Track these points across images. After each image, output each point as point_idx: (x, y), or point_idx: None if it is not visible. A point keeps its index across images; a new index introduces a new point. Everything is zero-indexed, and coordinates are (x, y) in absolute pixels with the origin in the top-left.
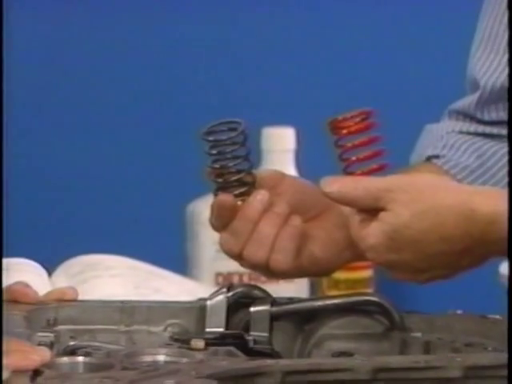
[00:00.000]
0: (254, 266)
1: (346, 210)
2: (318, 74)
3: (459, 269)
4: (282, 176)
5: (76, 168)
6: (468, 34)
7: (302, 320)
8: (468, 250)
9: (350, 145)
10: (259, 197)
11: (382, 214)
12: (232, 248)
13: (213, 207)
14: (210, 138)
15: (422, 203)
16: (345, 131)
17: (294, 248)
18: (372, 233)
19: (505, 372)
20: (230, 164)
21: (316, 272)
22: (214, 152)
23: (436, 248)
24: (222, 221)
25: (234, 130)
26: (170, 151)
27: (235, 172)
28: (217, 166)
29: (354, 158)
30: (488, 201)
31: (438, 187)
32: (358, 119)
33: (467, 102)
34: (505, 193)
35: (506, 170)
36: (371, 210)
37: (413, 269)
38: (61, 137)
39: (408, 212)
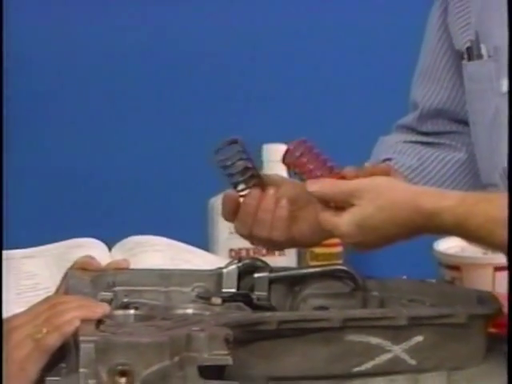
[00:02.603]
0: (261, 242)
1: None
2: (306, 105)
3: (398, 241)
4: (282, 178)
5: (128, 172)
6: (411, 66)
7: (292, 283)
8: (411, 234)
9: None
10: (252, 196)
11: (352, 208)
12: (243, 233)
13: (223, 199)
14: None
15: (381, 200)
16: (296, 169)
17: (286, 226)
18: (344, 222)
19: (438, 321)
20: (239, 168)
21: (305, 243)
22: (228, 163)
23: (391, 232)
24: (228, 209)
25: (235, 142)
26: (198, 159)
27: (244, 173)
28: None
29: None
30: (430, 199)
31: (392, 188)
32: (297, 154)
33: (410, 118)
34: (444, 192)
35: (438, 168)
36: (340, 206)
37: (372, 246)
38: (114, 139)
39: (371, 207)
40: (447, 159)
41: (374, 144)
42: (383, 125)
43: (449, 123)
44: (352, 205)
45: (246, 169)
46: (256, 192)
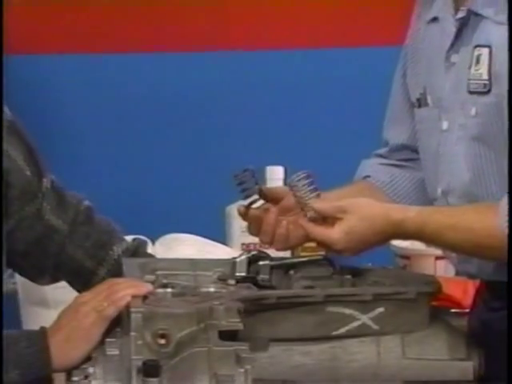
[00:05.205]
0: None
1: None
2: (302, 137)
3: (375, 246)
4: (284, 190)
5: (168, 187)
6: (382, 113)
7: (287, 269)
8: (385, 239)
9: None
10: (270, 217)
11: (340, 221)
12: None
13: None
14: (239, 176)
15: (362, 213)
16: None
17: (284, 238)
18: (335, 232)
19: (395, 297)
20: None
21: (301, 243)
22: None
23: (370, 238)
24: (242, 216)
25: (247, 170)
26: (218, 177)
27: (253, 191)
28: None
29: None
30: (397, 212)
31: (369, 204)
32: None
33: (383, 150)
34: (407, 206)
35: (405, 183)
36: (329, 222)
37: (356, 251)
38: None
39: (355, 219)
40: (411, 177)
41: (357, 165)
42: (364, 152)
43: (411, 153)
44: (340, 219)
45: (255, 188)
46: (273, 214)
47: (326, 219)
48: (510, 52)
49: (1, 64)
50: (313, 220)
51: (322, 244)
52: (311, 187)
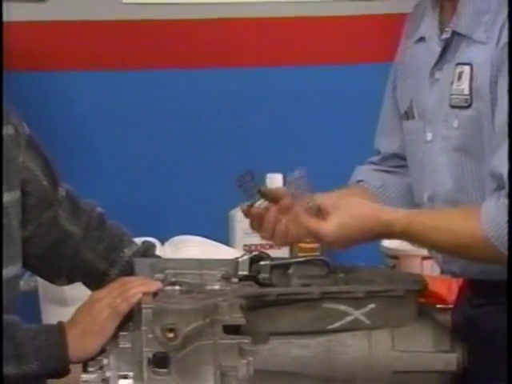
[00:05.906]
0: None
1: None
2: (297, 149)
3: (362, 242)
4: (283, 192)
5: (177, 193)
6: (374, 123)
7: (286, 268)
8: (372, 238)
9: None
10: (271, 214)
11: (332, 216)
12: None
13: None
14: (240, 178)
15: (353, 213)
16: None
17: (283, 235)
18: (327, 224)
19: (385, 294)
20: (251, 189)
21: (299, 240)
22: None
23: (358, 236)
24: (245, 214)
25: (247, 173)
26: (222, 184)
27: (253, 192)
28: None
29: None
30: (385, 213)
31: (360, 205)
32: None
33: (375, 158)
34: (395, 208)
35: (395, 188)
36: (322, 216)
37: (344, 245)
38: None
39: (346, 216)
40: (401, 182)
41: (352, 170)
42: (358, 159)
43: (401, 161)
44: (332, 214)
45: (255, 189)
46: (273, 212)
47: (319, 213)
48: (509, 50)
49: (1, 77)
50: (308, 212)
51: (313, 234)
52: (307, 186)
